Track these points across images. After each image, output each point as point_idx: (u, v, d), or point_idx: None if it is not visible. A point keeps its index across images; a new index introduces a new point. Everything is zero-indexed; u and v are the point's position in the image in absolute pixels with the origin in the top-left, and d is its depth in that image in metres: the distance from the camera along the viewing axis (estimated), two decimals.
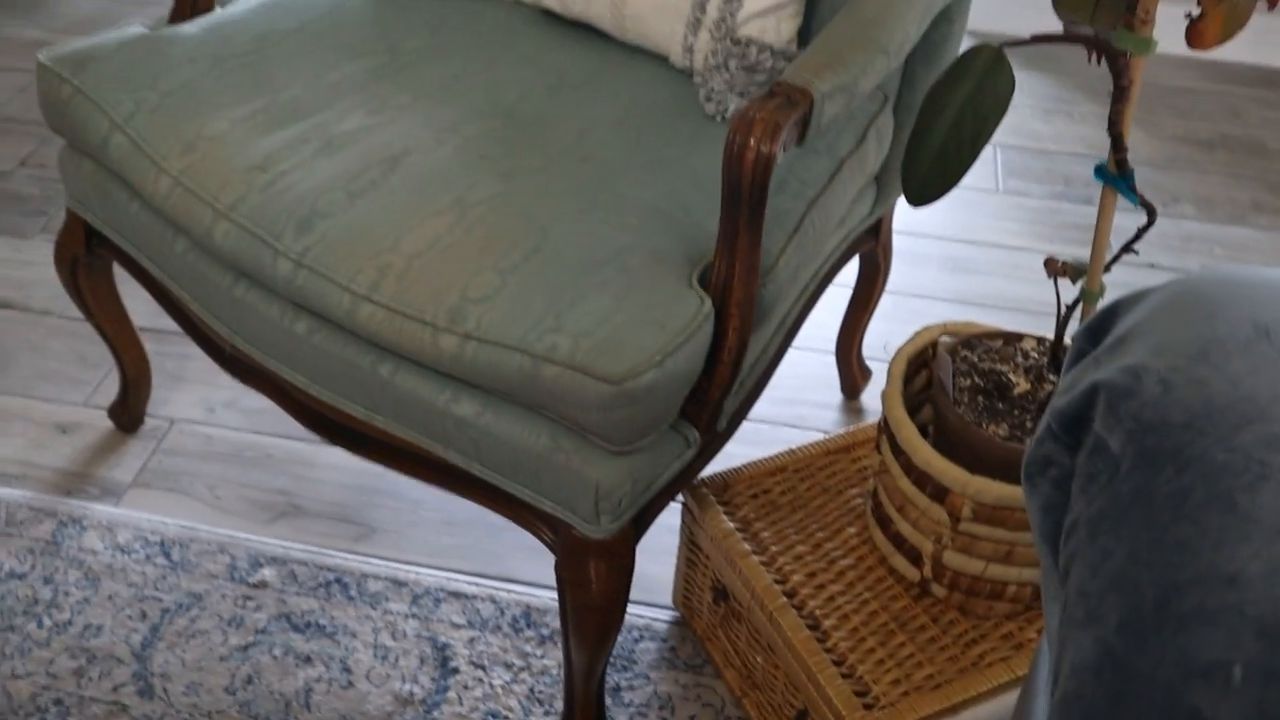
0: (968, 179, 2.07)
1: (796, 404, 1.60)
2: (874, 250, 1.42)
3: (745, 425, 1.54)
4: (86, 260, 1.31)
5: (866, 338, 1.66)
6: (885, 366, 1.66)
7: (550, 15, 1.32)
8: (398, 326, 0.96)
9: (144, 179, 1.11)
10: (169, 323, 1.64)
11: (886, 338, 1.72)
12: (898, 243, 1.86)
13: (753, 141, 0.89)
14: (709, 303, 0.94)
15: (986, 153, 2.15)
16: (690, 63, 1.20)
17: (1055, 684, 0.64)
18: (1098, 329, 0.78)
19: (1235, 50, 2.55)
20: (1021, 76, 2.40)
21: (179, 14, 1.28)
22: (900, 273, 1.84)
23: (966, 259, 1.90)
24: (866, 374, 1.61)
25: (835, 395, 1.62)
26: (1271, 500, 0.59)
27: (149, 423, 1.51)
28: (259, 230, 1.03)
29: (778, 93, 0.93)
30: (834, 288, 1.61)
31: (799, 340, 1.67)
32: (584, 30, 1.30)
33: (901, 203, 1.81)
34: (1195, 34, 0.77)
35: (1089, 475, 0.67)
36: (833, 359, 1.64)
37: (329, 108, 1.14)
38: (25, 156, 1.95)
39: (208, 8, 1.29)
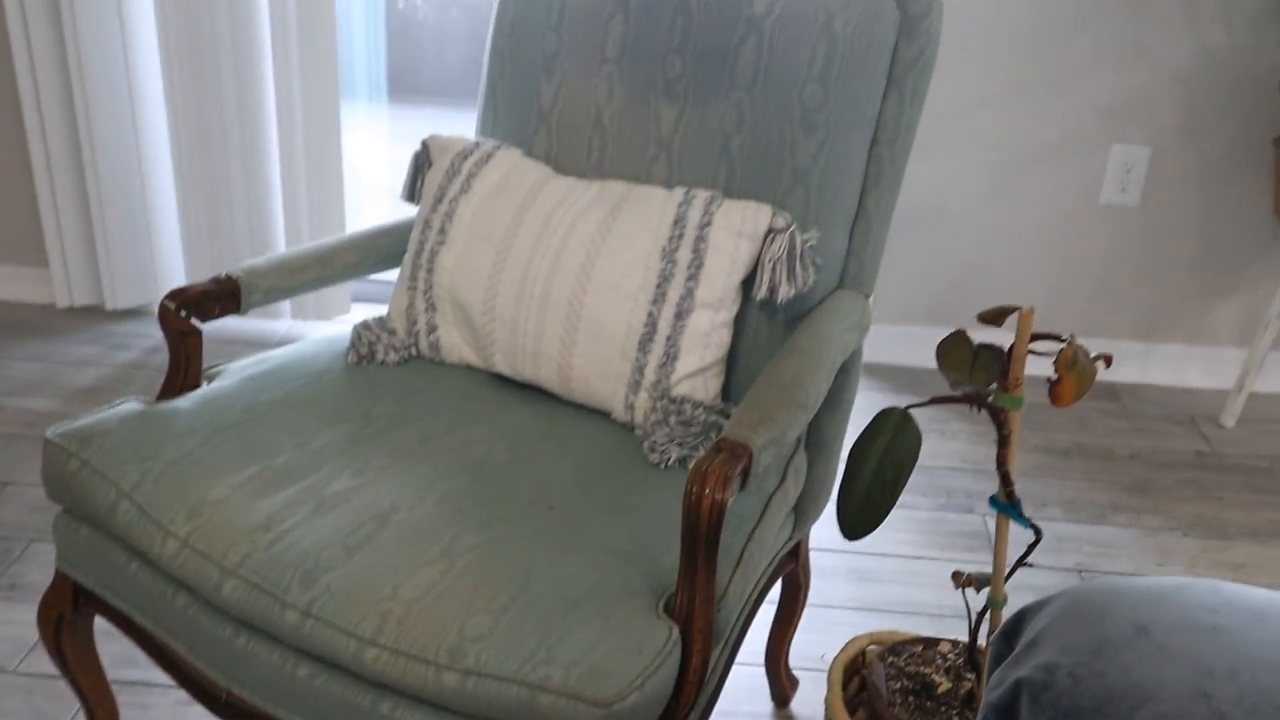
0: None
1: (733, 716, 1.72)
2: (795, 570, 1.59)
3: None
4: (72, 619, 1.40)
5: (791, 648, 1.80)
6: (811, 675, 1.80)
7: (501, 378, 1.51)
8: (402, 667, 1.08)
9: (151, 543, 1.23)
10: (130, 673, 1.70)
11: (809, 647, 1.86)
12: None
13: (708, 491, 1.06)
14: (676, 630, 1.09)
15: None
16: (631, 418, 1.39)
17: None
18: (1010, 633, 0.95)
19: None
20: (902, 404, 2.68)
21: (169, 390, 1.43)
22: (813, 585, 2.01)
23: (870, 569, 2.08)
24: (794, 683, 1.74)
25: (766, 704, 1.75)
26: None
27: None
28: (266, 585, 1.15)
29: (723, 447, 1.11)
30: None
31: None
32: (532, 390, 1.49)
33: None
34: (1055, 394, 0.98)
35: None
36: (760, 670, 1.77)
37: (317, 470, 1.29)
38: None
39: (195, 384, 1.45)
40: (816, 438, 1.50)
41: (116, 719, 1.51)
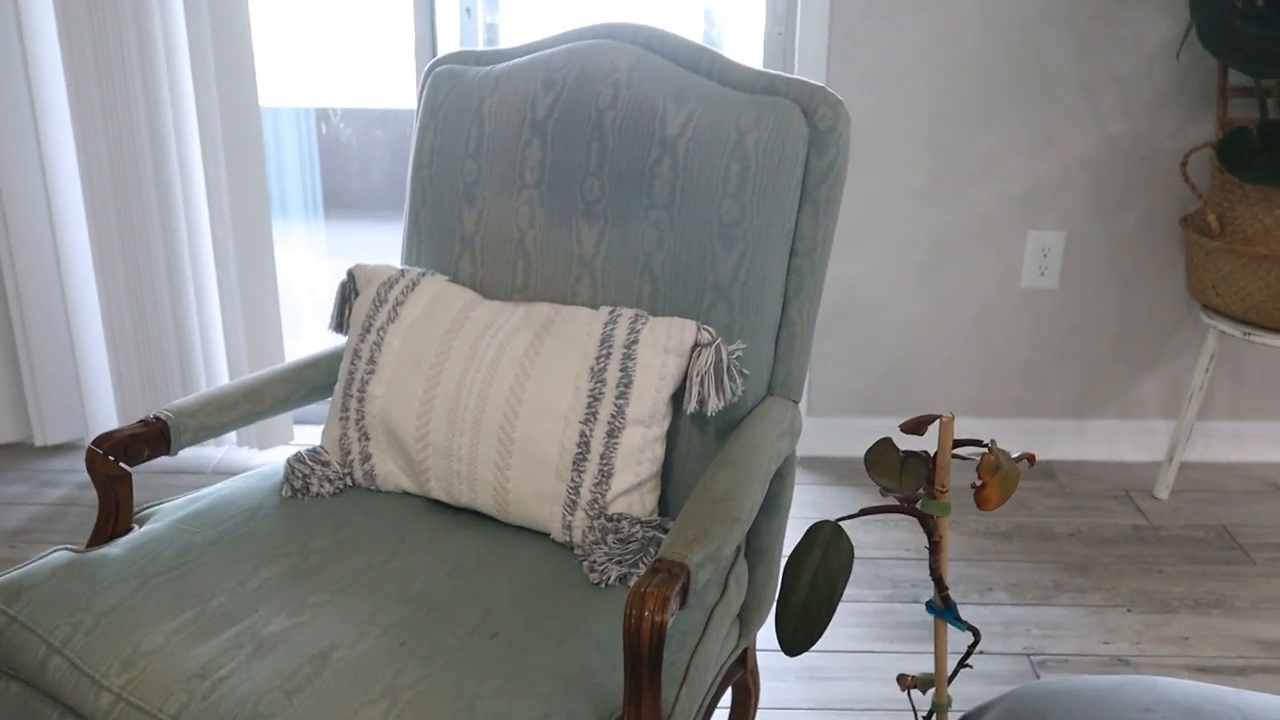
0: None
1: None
2: (744, 677, 1.58)
3: None
4: None
5: None
6: None
7: (438, 503, 1.50)
8: None
9: (84, 699, 1.20)
10: None
11: None
12: (759, 659, 2.03)
13: (647, 614, 1.06)
14: None
15: None
16: (570, 538, 1.39)
17: None
18: None
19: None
20: (842, 496, 2.70)
21: (100, 536, 1.41)
22: (764, 688, 2.00)
23: (821, 667, 2.07)
24: None
25: None
26: None
27: None
28: None
29: (660, 568, 1.12)
30: None
31: None
32: (470, 514, 1.48)
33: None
34: (980, 499, 1.00)
35: None
36: None
37: (254, 612, 1.27)
38: None
39: (126, 528, 1.43)
40: (756, 544, 1.51)
41: None
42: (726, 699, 1.94)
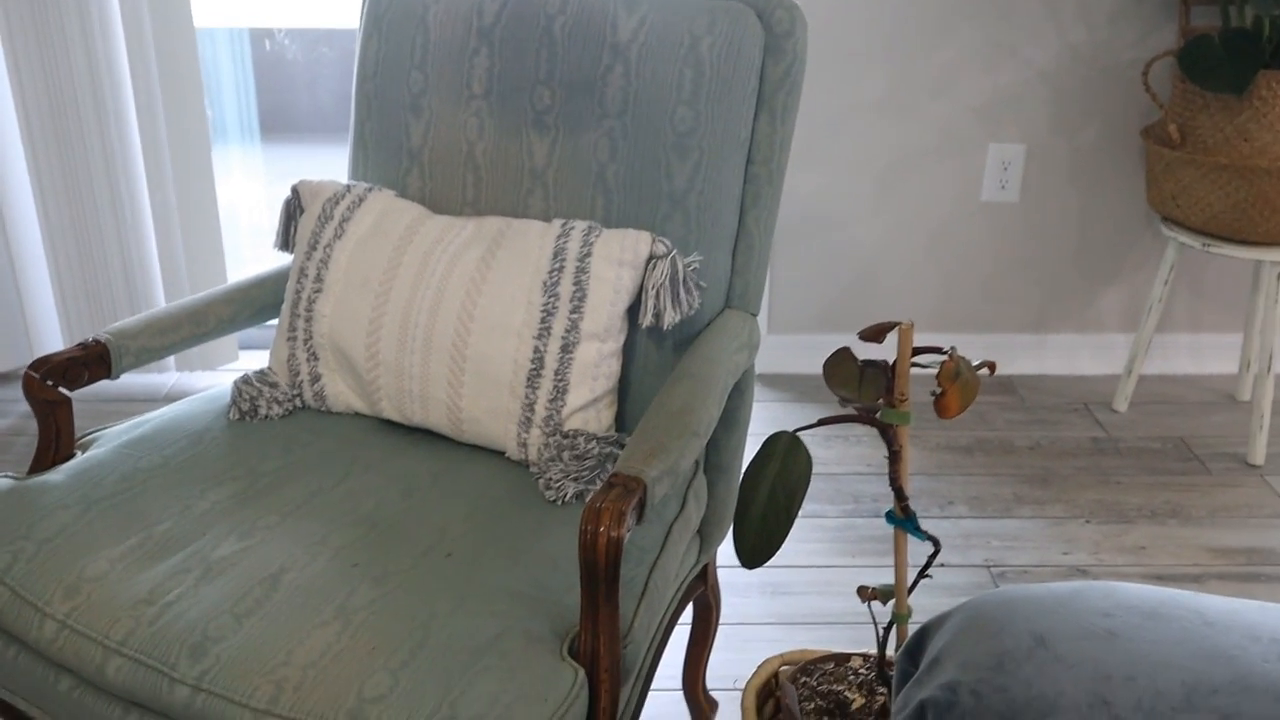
0: None
1: None
2: (705, 593, 1.58)
3: None
4: None
5: (709, 670, 1.79)
6: (730, 696, 1.78)
7: (390, 424, 1.47)
8: None
9: (28, 627, 1.17)
10: None
11: (726, 668, 1.85)
12: (720, 576, 2.03)
13: (603, 529, 1.04)
14: (582, 672, 1.07)
15: None
16: (525, 455, 1.37)
17: None
18: (914, 650, 0.94)
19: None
20: (804, 412, 2.69)
21: (41, 463, 1.37)
22: (727, 603, 2.00)
23: (782, 583, 2.07)
24: (714, 705, 1.73)
25: None
26: None
27: None
28: (152, 661, 1.11)
29: (615, 483, 1.09)
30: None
31: None
32: (423, 434, 1.45)
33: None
34: (941, 407, 0.98)
35: None
36: (679, 695, 1.75)
37: (202, 536, 1.24)
38: None
39: (68, 455, 1.39)
40: (715, 460, 1.49)
41: None
42: (687, 615, 1.94)
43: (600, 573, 1.06)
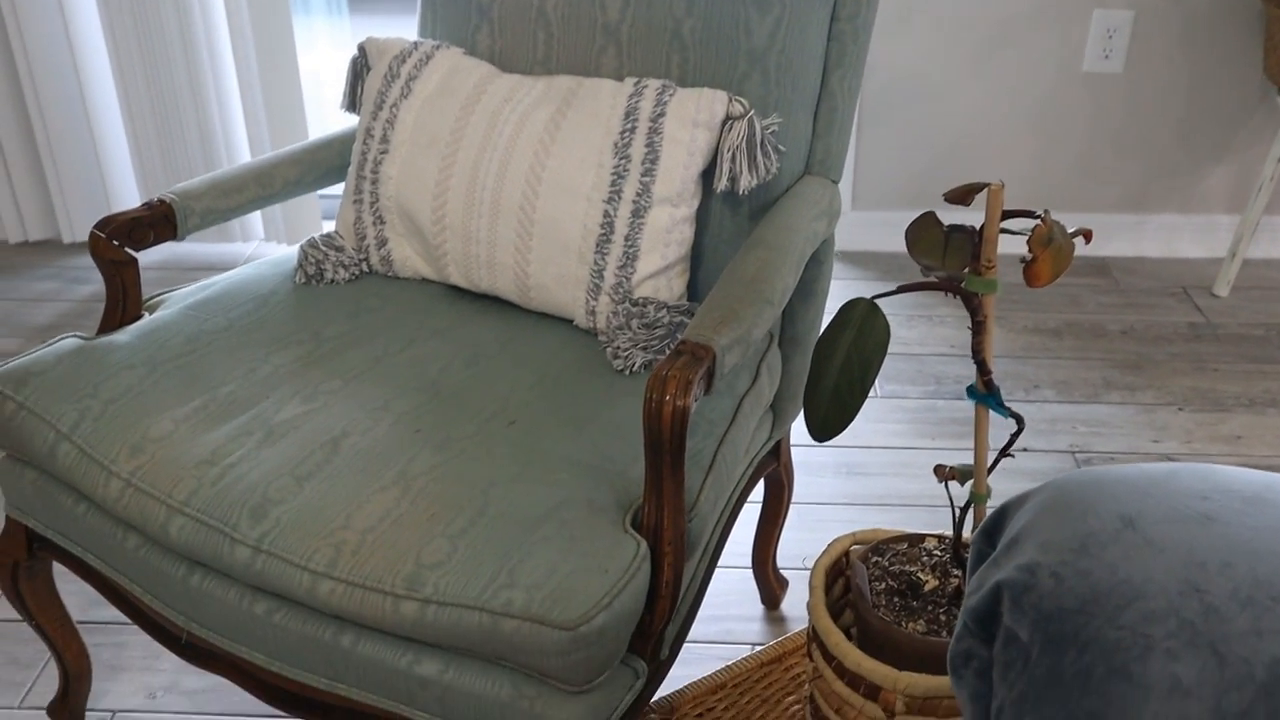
0: None
1: (723, 620, 1.68)
2: (777, 470, 1.54)
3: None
4: (28, 565, 1.35)
5: (779, 549, 1.76)
6: (801, 575, 1.76)
7: (458, 290, 1.44)
8: (358, 599, 1.03)
9: (94, 484, 1.17)
10: (102, 613, 1.66)
11: (797, 547, 1.82)
12: (794, 455, 1.99)
13: (669, 398, 1.00)
14: (644, 544, 1.04)
15: None
16: (594, 324, 1.33)
17: None
18: (992, 530, 0.89)
19: None
20: (886, 290, 2.61)
21: (108, 324, 1.36)
22: (800, 483, 1.96)
23: (859, 463, 2.03)
24: (784, 584, 1.70)
25: (757, 607, 1.71)
26: (1159, 667, 0.69)
27: (90, 717, 1.52)
28: (214, 522, 1.10)
29: (684, 351, 1.05)
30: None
31: None
32: (491, 301, 1.42)
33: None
34: (1031, 274, 0.92)
35: (1005, 664, 0.77)
36: (748, 573, 1.73)
37: (265, 399, 1.23)
38: None
39: (135, 316, 1.38)
40: (790, 332, 1.43)
41: (86, 660, 1.47)
42: (759, 493, 1.90)
43: (665, 443, 1.02)
